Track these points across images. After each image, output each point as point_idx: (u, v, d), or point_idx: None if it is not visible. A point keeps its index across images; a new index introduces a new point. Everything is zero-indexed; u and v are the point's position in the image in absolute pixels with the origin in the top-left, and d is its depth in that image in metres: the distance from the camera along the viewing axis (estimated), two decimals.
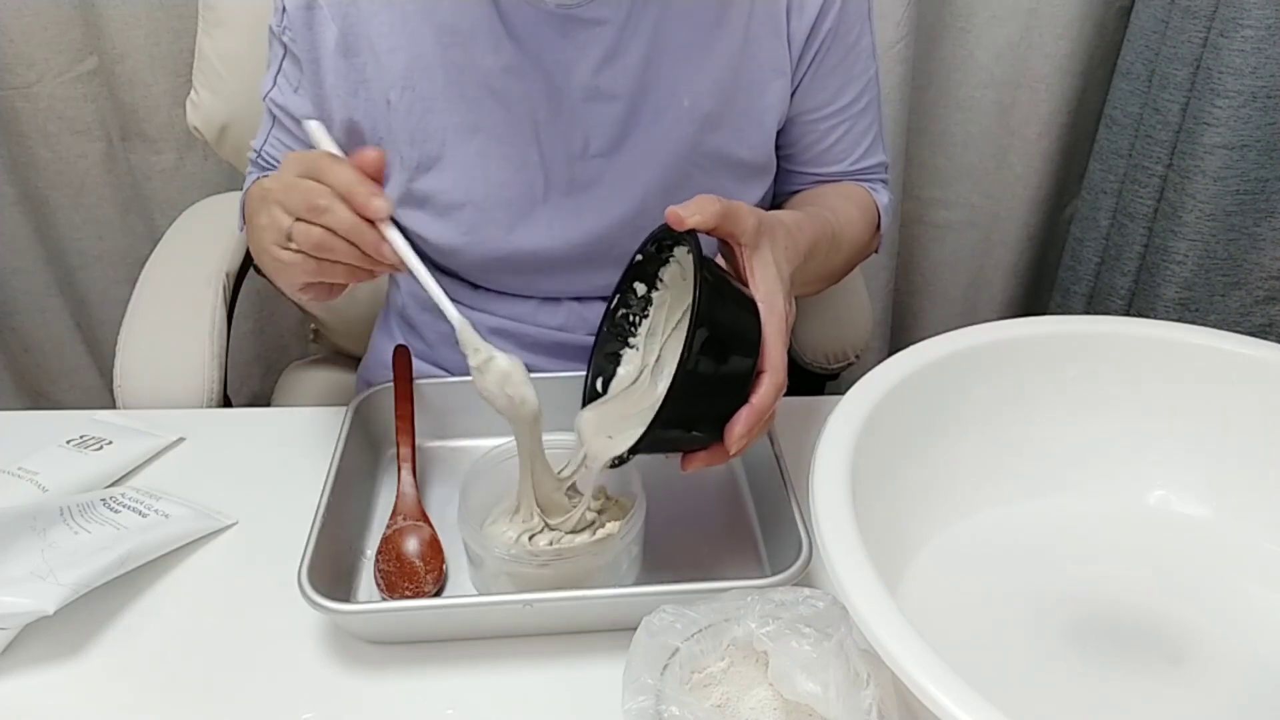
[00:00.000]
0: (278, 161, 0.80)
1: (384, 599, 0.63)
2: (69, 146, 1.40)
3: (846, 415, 0.57)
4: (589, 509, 0.64)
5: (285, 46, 0.76)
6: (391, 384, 0.76)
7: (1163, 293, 1.35)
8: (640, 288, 0.64)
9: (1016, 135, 1.44)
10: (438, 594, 0.64)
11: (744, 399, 0.56)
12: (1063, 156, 1.46)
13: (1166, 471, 0.65)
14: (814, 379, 1.08)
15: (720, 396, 0.56)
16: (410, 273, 0.59)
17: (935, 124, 1.46)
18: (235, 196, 0.93)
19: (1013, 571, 0.62)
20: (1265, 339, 0.64)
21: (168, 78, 1.34)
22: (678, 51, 0.74)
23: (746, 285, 0.58)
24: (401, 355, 0.79)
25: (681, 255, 0.61)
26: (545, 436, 0.62)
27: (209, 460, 0.77)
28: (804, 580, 0.59)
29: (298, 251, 0.59)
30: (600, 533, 0.64)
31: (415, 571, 0.65)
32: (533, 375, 0.61)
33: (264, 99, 0.80)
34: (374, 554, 0.66)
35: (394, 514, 0.68)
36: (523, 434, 0.61)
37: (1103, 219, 1.42)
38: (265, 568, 0.65)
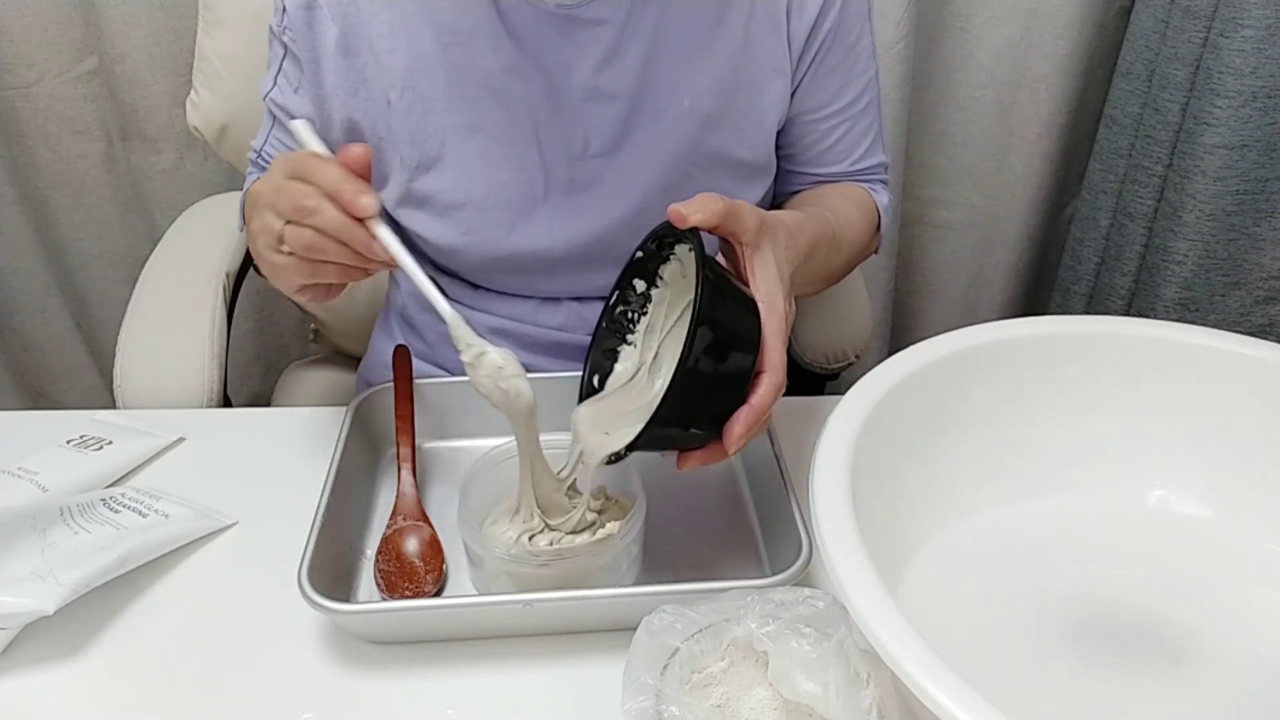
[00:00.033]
0: None
1: (384, 599, 0.63)
2: (69, 146, 1.40)
3: (846, 415, 0.57)
4: (589, 509, 0.64)
5: (285, 46, 0.76)
6: (391, 384, 0.76)
7: (1163, 293, 1.35)
8: (640, 284, 0.64)
9: (1016, 135, 1.44)
10: (438, 594, 0.64)
11: (742, 398, 0.56)
12: (1063, 156, 1.46)
13: (1166, 471, 0.65)
14: (814, 379, 1.08)
15: (719, 395, 0.56)
16: (401, 269, 0.59)
17: (935, 124, 1.46)
18: (235, 196, 0.93)
19: (1013, 571, 0.62)
20: (1265, 339, 0.64)
21: (168, 78, 1.34)
22: (678, 51, 0.74)
23: (747, 285, 0.58)
24: (401, 355, 0.79)
25: (683, 253, 0.61)
26: (544, 436, 0.62)
27: (209, 460, 0.77)
28: (804, 580, 0.59)
29: (290, 254, 0.59)
30: (600, 533, 0.64)
31: (415, 571, 0.65)
32: (532, 375, 0.61)
33: (264, 99, 0.80)
34: (374, 554, 0.66)
35: (394, 514, 0.68)
36: (519, 428, 0.61)
37: (1103, 219, 1.42)
38: (265, 568, 0.65)
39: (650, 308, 0.64)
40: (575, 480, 0.63)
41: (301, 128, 0.61)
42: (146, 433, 0.78)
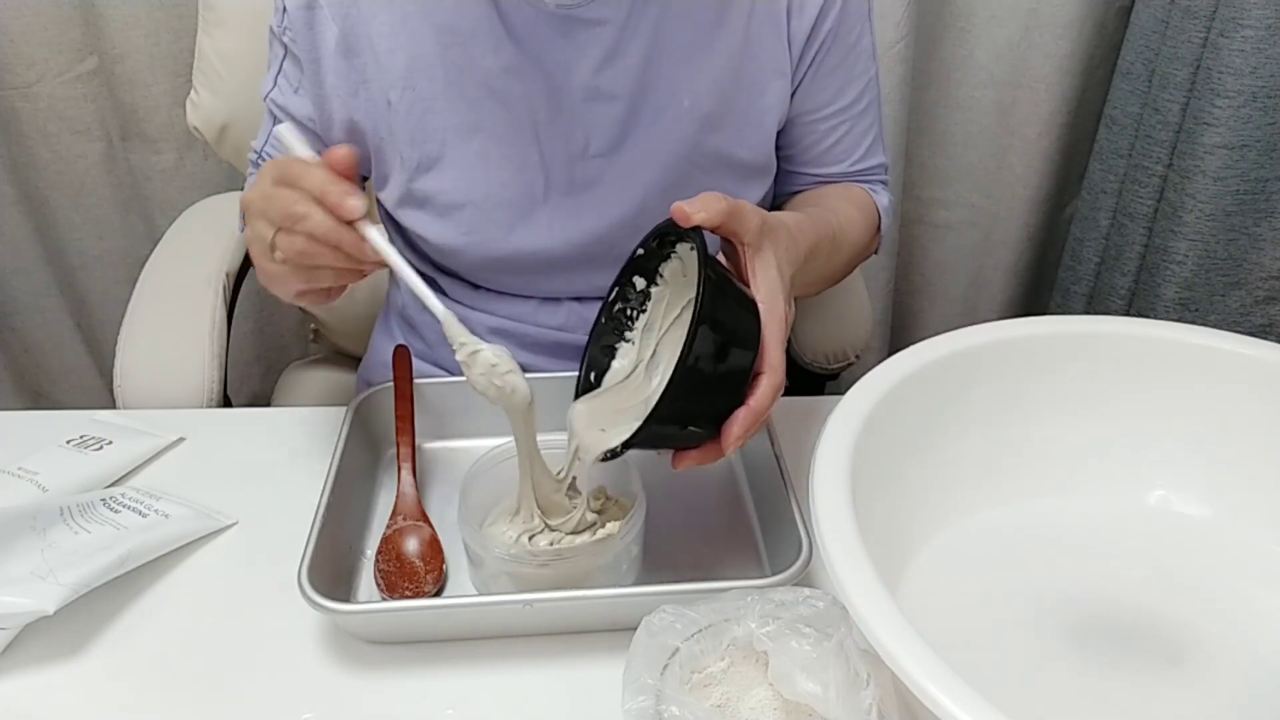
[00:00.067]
0: None
1: (384, 599, 0.63)
2: (69, 146, 1.40)
3: (846, 415, 0.57)
4: (589, 509, 0.64)
5: (286, 47, 0.76)
6: (391, 384, 0.76)
7: (1163, 293, 1.35)
8: (640, 282, 0.64)
9: (1016, 135, 1.44)
10: (438, 594, 0.64)
11: (740, 399, 0.56)
12: (1063, 156, 1.46)
13: (1166, 471, 0.65)
14: (814, 379, 1.08)
15: (718, 395, 0.56)
16: (392, 269, 0.59)
17: (935, 124, 1.46)
18: (235, 196, 0.93)
19: (1013, 571, 0.62)
20: (1265, 339, 0.64)
21: (168, 78, 1.34)
22: (678, 52, 0.74)
23: (747, 285, 0.58)
24: (401, 355, 0.79)
25: (684, 252, 0.61)
26: (543, 437, 0.62)
27: (209, 460, 0.77)
28: (804, 580, 0.59)
29: (285, 261, 0.59)
30: (600, 533, 0.64)
31: (415, 571, 0.65)
32: (531, 375, 0.61)
33: (264, 99, 0.80)
34: (374, 554, 0.66)
35: (394, 514, 0.68)
36: (518, 424, 0.61)
37: (1103, 219, 1.42)
38: (265, 568, 0.65)
39: (649, 305, 0.64)
40: (575, 480, 0.63)
41: (286, 132, 0.61)
42: (146, 433, 0.78)
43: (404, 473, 0.71)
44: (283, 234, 0.58)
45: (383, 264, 0.58)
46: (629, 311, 0.64)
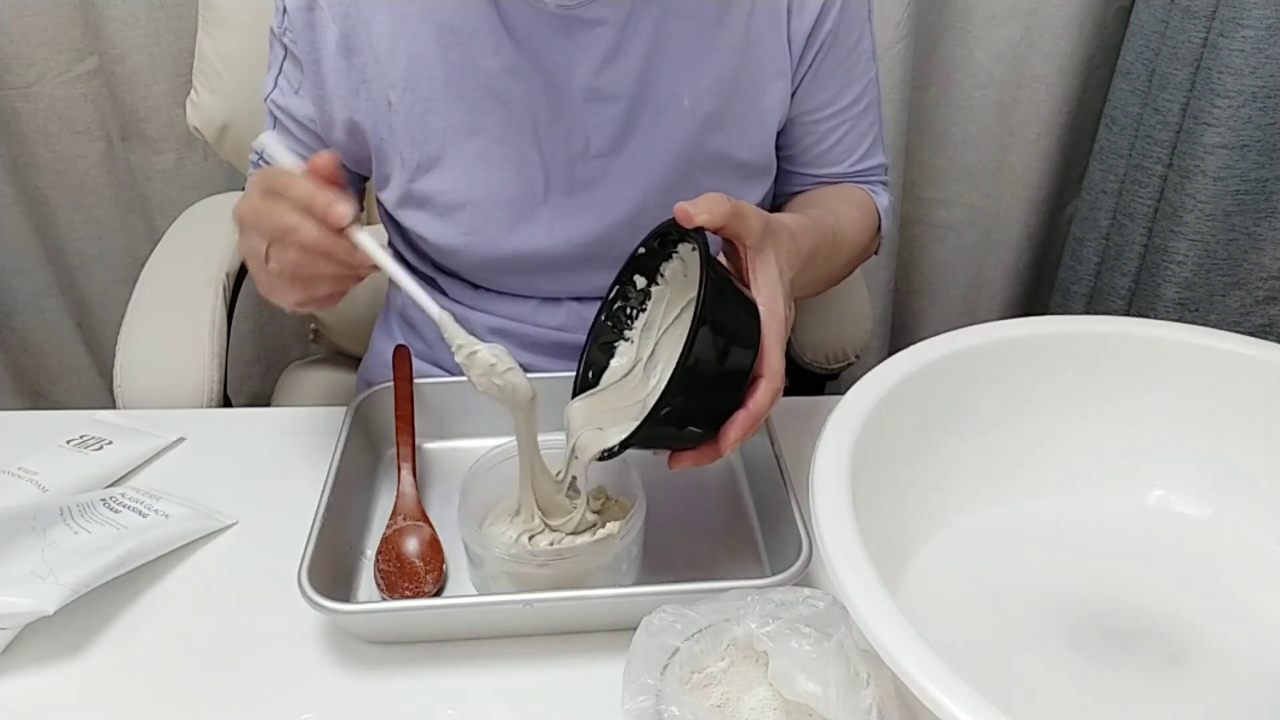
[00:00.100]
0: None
1: (384, 599, 0.63)
2: (69, 146, 1.40)
3: (846, 415, 0.57)
4: (589, 510, 0.64)
5: (286, 48, 0.76)
6: (391, 384, 0.76)
7: (1163, 293, 1.35)
8: (640, 281, 0.64)
9: (1016, 135, 1.44)
10: (438, 594, 0.64)
11: (739, 401, 0.56)
12: (1063, 156, 1.46)
13: (1166, 471, 0.65)
14: (814, 379, 1.08)
15: (716, 396, 0.56)
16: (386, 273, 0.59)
17: (935, 124, 1.46)
18: (235, 196, 0.93)
19: (1013, 571, 0.62)
20: (1265, 339, 0.64)
21: (168, 78, 1.34)
22: (678, 52, 0.74)
23: (748, 287, 0.58)
24: (401, 355, 0.79)
25: (686, 252, 0.61)
26: (543, 437, 0.62)
27: (209, 460, 0.77)
28: (804, 580, 0.59)
29: (281, 273, 0.60)
30: (600, 533, 0.64)
31: (415, 571, 0.65)
32: (531, 375, 0.61)
33: (265, 101, 0.80)
34: (374, 554, 0.66)
35: (394, 514, 0.68)
36: (520, 421, 0.61)
37: (1103, 219, 1.43)
38: (265, 568, 0.65)
39: (649, 304, 0.64)
40: (575, 480, 0.63)
41: (269, 142, 0.61)
42: (146, 433, 0.78)
43: (404, 473, 0.71)
44: (275, 247, 0.59)
45: (377, 267, 0.58)
46: (629, 310, 0.64)
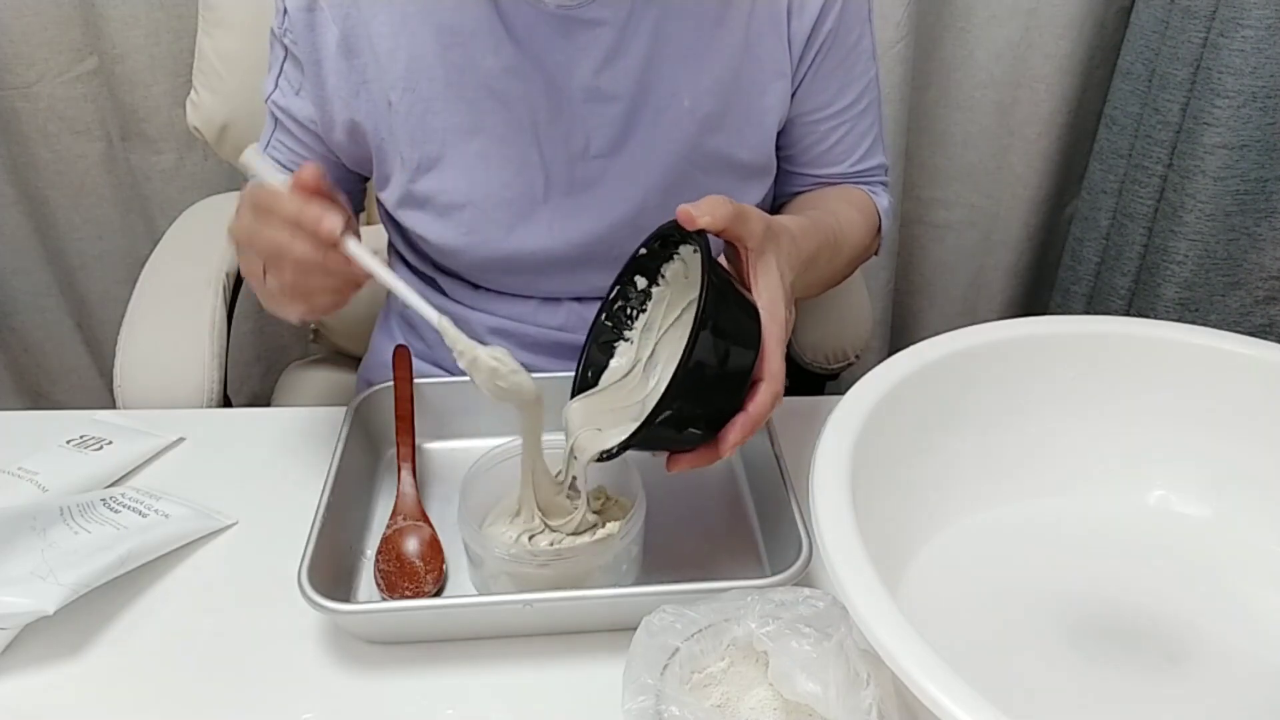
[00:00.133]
0: (280, 165, 0.81)
1: (384, 599, 0.63)
2: (69, 146, 1.40)
3: (846, 415, 0.57)
4: (589, 511, 0.64)
5: (286, 49, 0.76)
6: (391, 384, 0.76)
7: (1163, 293, 1.35)
8: (641, 281, 0.64)
9: (1016, 135, 1.44)
10: (438, 594, 0.64)
11: (738, 404, 0.56)
12: (1063, 156, 1.46)
13: (1166, 471, 0.65)
14: (814, 379, 1.08)
15: (716, 398, 0.56)
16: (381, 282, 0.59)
17: (935, 124, 1.46)
18: (235, 197, 0.93)
19: (1013, 571, 0.62)
20: (1265, 339, 0.64)
21: (168, 78, 1.34)
22: (678, 52, 0.74)
23: (748, 289, 0.58)
24: (401, 355, 0.79)
25: (687, 254, 0.61)
26: (545, 437, 0.62)
27: (209, 460, 0.77)
28: (804, 580, 0.59)
29: (280, 290, 0.61)
30: (600, 533, 0.64)
31: (415, 571, 0.65)
32: (532, 375, 0.60)
33: (266, 101, 0.80)
34: (374, 554, 0.66)
35: (394, 514, 0.68)
36: (527, 419, 0.61)
37: (1103, 219, 1.43)
38: (265, 568, 0.65)
39: (650, 305, 0.64)
40: (575, 480, 0.63)
41: (251, 158, 0.61)
42: (146, 433, 0.78)
43: (404, 473, 0.71)
44: (270, 266, 0.59)
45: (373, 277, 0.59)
46: (629, 310, 0.64)
